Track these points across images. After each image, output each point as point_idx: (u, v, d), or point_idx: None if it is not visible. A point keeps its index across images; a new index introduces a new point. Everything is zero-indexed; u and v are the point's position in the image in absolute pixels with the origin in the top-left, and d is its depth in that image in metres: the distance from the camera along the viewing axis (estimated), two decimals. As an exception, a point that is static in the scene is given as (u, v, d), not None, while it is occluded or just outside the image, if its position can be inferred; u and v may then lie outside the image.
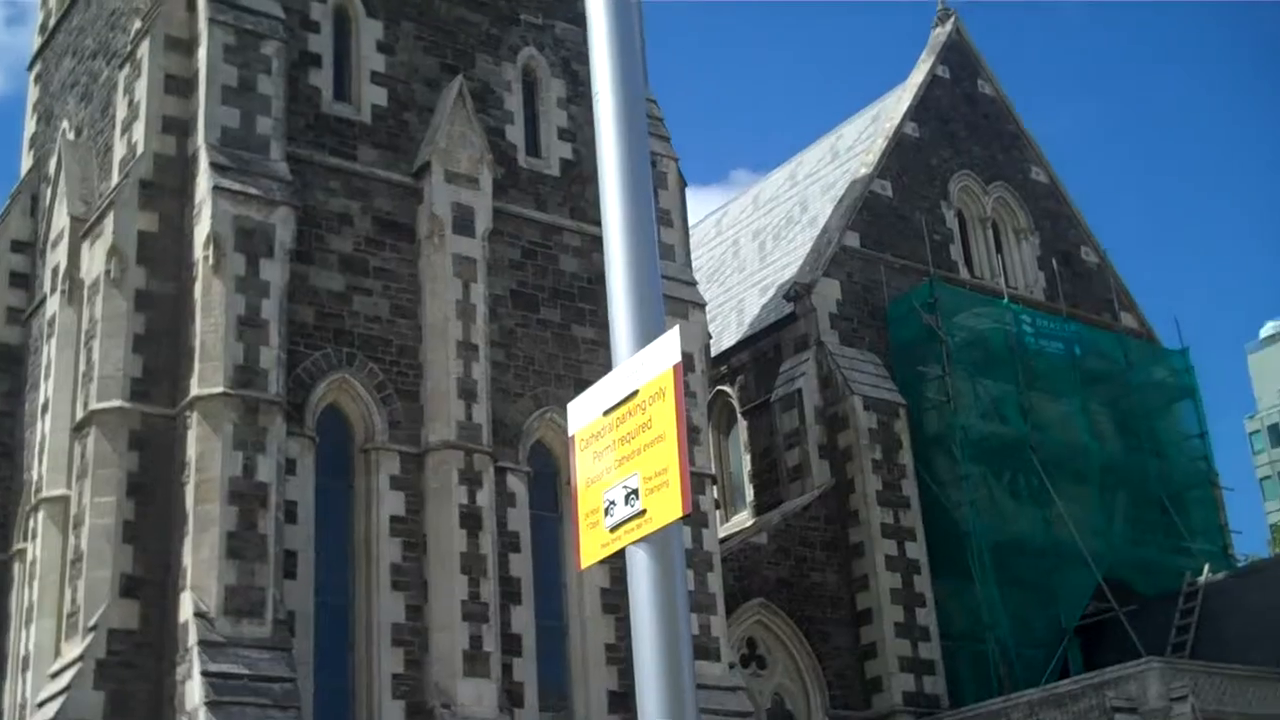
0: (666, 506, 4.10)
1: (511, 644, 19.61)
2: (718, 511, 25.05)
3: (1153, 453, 28.56)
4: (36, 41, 26.62)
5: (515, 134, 22.86)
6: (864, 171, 29.14)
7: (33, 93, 26.42)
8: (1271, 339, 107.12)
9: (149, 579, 17.77)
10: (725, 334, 28.52)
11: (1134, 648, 23.94)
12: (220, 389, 17.81)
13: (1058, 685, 22.75)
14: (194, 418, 17.85)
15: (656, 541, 4.16)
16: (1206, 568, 26.55)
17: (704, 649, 20.63)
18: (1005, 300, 28.23)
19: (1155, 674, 21.21)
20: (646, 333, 4.42)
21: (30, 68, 26.73)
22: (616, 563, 4.71)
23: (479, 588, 19.15)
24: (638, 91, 4.92)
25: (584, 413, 4.57)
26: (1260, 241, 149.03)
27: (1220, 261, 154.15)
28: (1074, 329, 28.92)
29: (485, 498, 19.67)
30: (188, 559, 17.32)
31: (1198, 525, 28.57)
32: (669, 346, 4.21)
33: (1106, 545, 26.63)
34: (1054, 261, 30.68)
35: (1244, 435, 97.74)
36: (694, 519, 21.03)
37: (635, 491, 4.23)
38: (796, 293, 27.02)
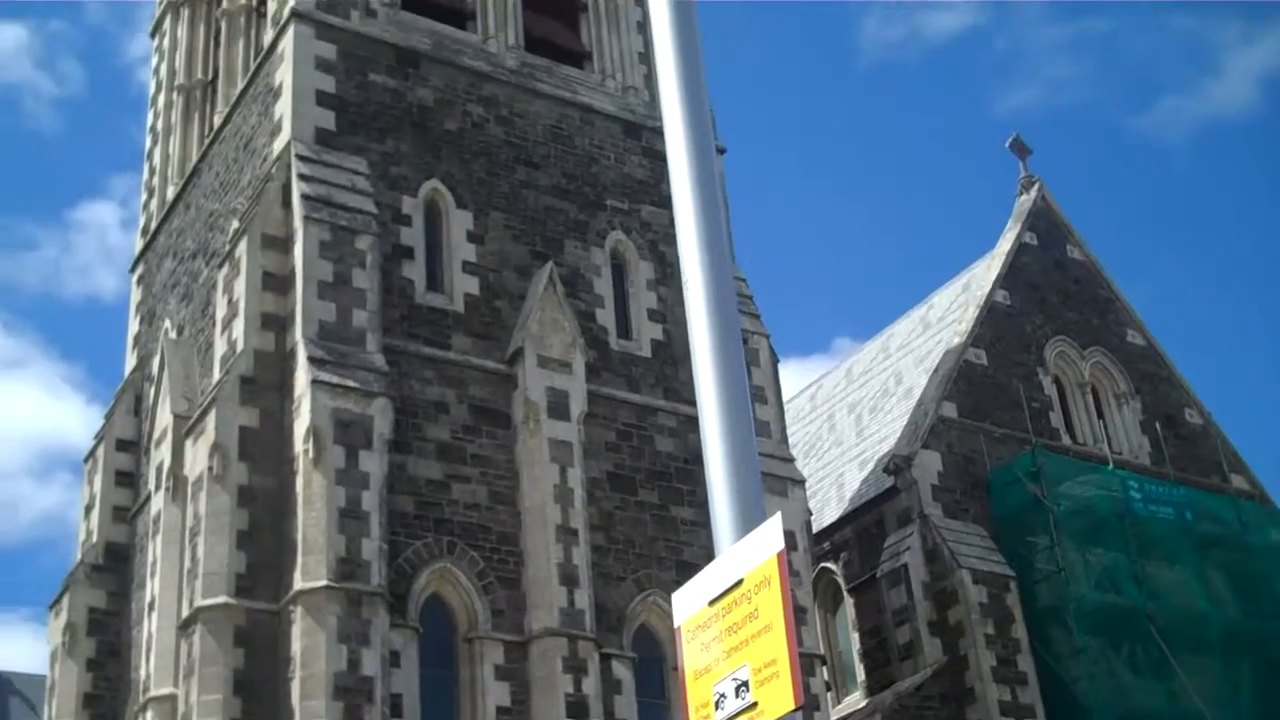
0: (778, 699, 4.05)
1: (622, 838, 18.99)
2: (829, 693, 24.34)
3: (1275, 617, 27.47)
4: (138, 244, 27.37)
5: (606, 317, 22.98)
6: (957, 341, 28.89)
7: (135, 294, 27.08)
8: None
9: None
10: (826, 510, 28.09)
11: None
12: (323, 582, 17.71)
13: None
14: (298, 612, 17.72)
15: None
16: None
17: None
18: (1110, 466, 27.58)
19: None
20: (747, 517, 4.35)
21: (132, 270, 27.44)
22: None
23: (586, 781, 18.63)
24: (726, 273, 4.95)
25: (689, 603, 4.52)
26: None
27: None
28: (1183, 493, 28.13)
29: (591, 686, 19.25)
30: (293, 757, 17.02)
31: (1333, 691, 27.29)
32: (772, 533, 4.15)
33: (1234, 717, 25.48)
34: (1157, 425, 30.05)
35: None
36: (805, 702, 20.42)
37: (745, 684, 4.15)
38: (896, 466, 26.61)
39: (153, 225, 26.80)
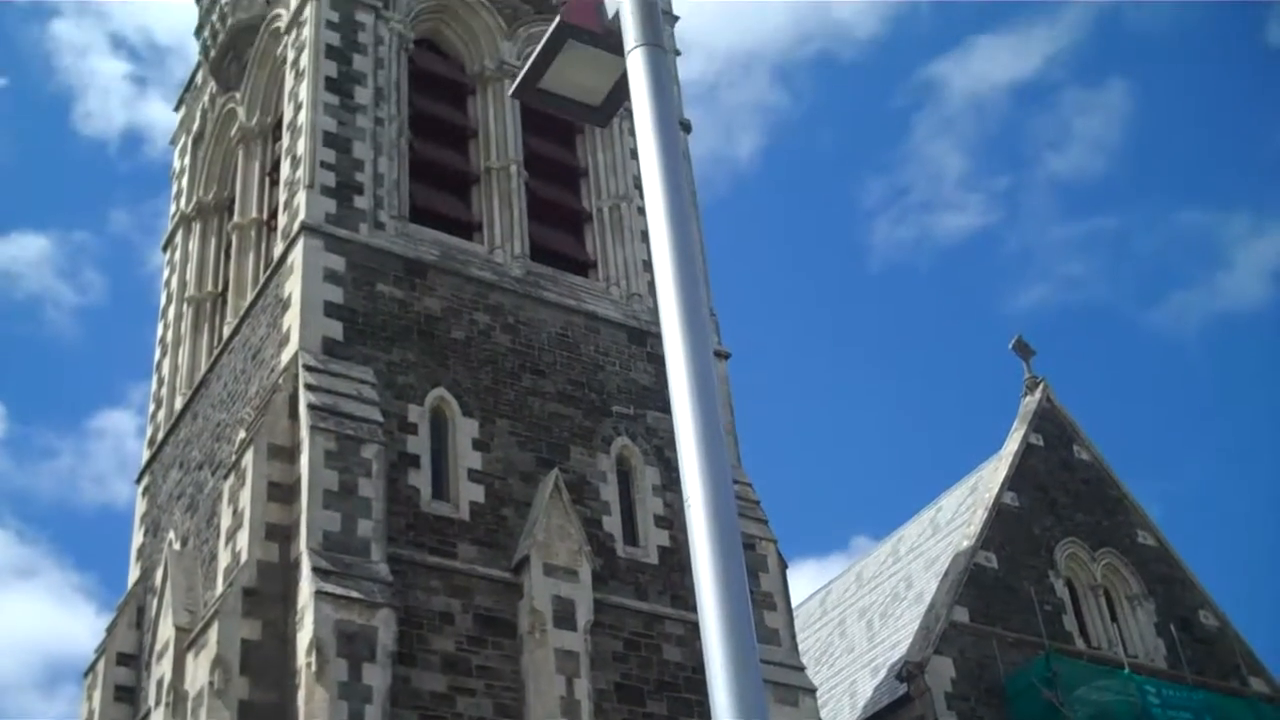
0: None
1: None
2: None
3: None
4: (145, 455, 27.46)
5: (612, 524, 22.87)
6: (966, 544, 28.67)
7: (140, 505, 27.06)
8: None
9: None
10: (839, 718, 27.51)
11: None
12: (321, 800, 17.28)
13: None
14: (295, 833, 17.25)
15: None
16: None
17: None
18: (1127, 671, 27.08)
19: None
20: None
21: (138, 481, 27.47)
22: None
23: None
24: (725, 480, 4.98)
25: None
26: None
27: None
28: (1202, 697, 27.54)
29: None
30: None
31: None
32: None
33: None
34: (1172, 627, 29.58)
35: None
36: None
37: None
38: (909, 673, 26.14)
39: (159, 436, 26.93)
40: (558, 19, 6.55)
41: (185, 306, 27.67)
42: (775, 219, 71.89)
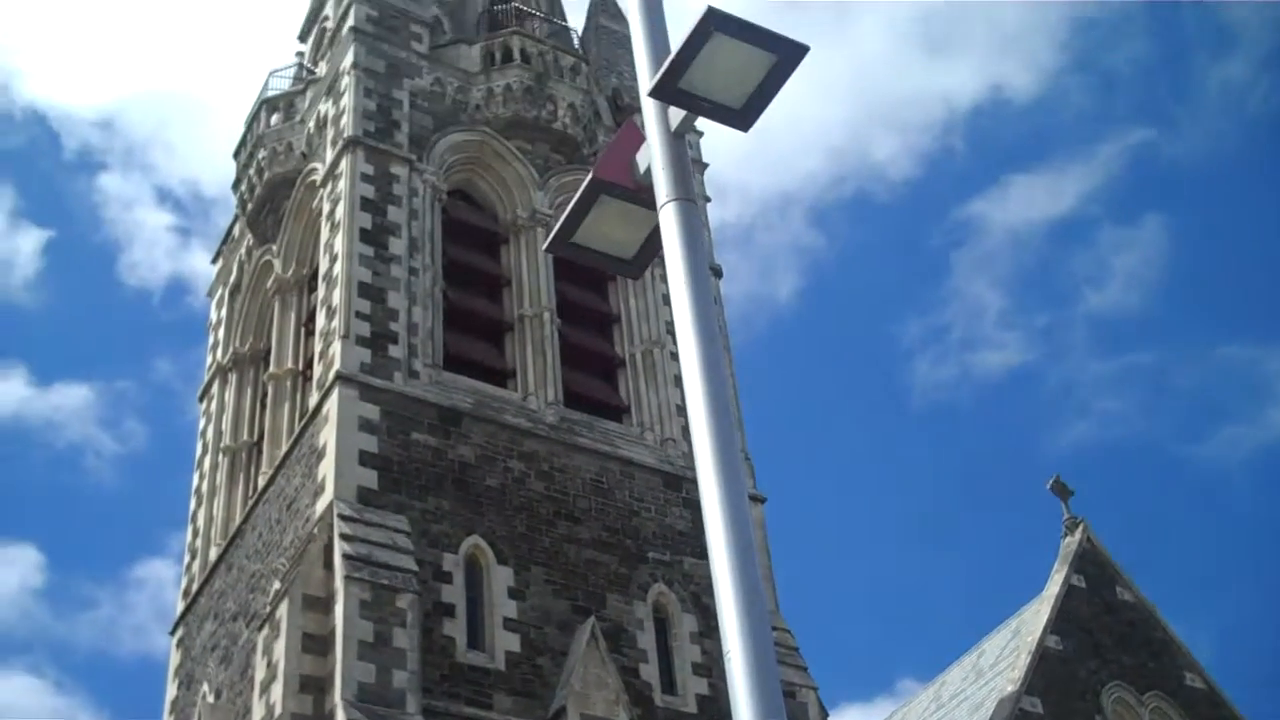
0: None
1: None
2: None
3: None
4: (179, 607, 27.37)
5: (649, 672, 22.60)
6: (1010, 689, 28.11)
7: (174, 657, 26.90)
8: None
9: None
10: None
11: None
12: None
13: None
14: None
15: None
16: None
17: None
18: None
19: None
20: None
21: (172, 633, 27.34)
22: None
23: None
24: (766, 634, 4.98)
25: None
26: None
27: None
28: None
29: None
30: None
31: None
32: None
33: None
34: (1225, 774, 28.84)
35: None
36: None
37: None
38: (954, 822, 25.50)
39: (194, 587, 26.88)
40: (591, 175, 6.66)
41: (221, 456, 27.82)
42: (814, 359, 72.10)
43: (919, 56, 73.80)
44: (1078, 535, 31.78)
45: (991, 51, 73.31)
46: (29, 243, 77.91)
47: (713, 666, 23.05)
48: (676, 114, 6.36)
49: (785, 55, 6.23)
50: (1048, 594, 30.62)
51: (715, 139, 30.82)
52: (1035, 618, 30.19)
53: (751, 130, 6.41)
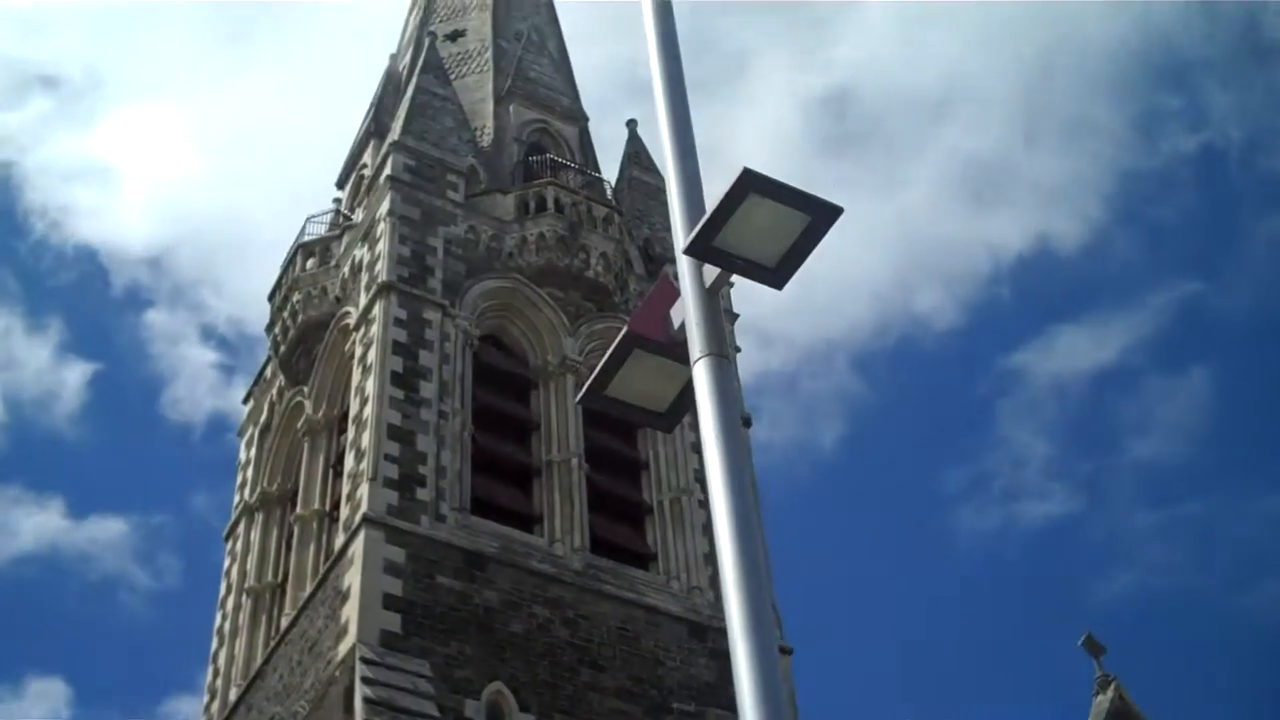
0: None
1: None
2: None
3: None
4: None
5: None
6: None
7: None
8: None
9: None
10: None
11: None
12: None
13: None
14: None
15: None
16: None
17: None
18: None
19: None
20: None
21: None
22: None
23: None
24: None
25: None
26: None
27: None
28: None
29: None
30: None
31: None
32: None
33: None
34: None
35: None
36: None
37: None
38: None
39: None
40: (625, 329, 6.78)
41: (244, 597, 27.75)
42: (856, 507, 71.68)
43: (965, 206, 74.67)
44: (1109, 693, 31.28)
45: (1038, 202, 74.13)
46: (75, 376, 79.01)
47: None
48: (710, 271, 6.49)
49: (820, 216, 6.37)
50: (1078, 749, 30.05)
51: (758, 287, 31.11)
52: (1066, 775, 29.61)
53: (795, 279, 6.54)
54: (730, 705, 24.54)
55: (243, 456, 31.32)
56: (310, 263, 29.97)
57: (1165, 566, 69.52)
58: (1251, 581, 71.16)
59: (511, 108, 33.56)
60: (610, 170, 34.47)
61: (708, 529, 26.05)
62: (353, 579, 22.46)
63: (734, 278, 6.67)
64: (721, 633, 24.79)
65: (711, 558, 25.69)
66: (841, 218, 6.44)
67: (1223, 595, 68.41)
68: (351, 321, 27.42)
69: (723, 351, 6.16)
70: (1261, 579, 70.45)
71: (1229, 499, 69.63)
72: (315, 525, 26.50)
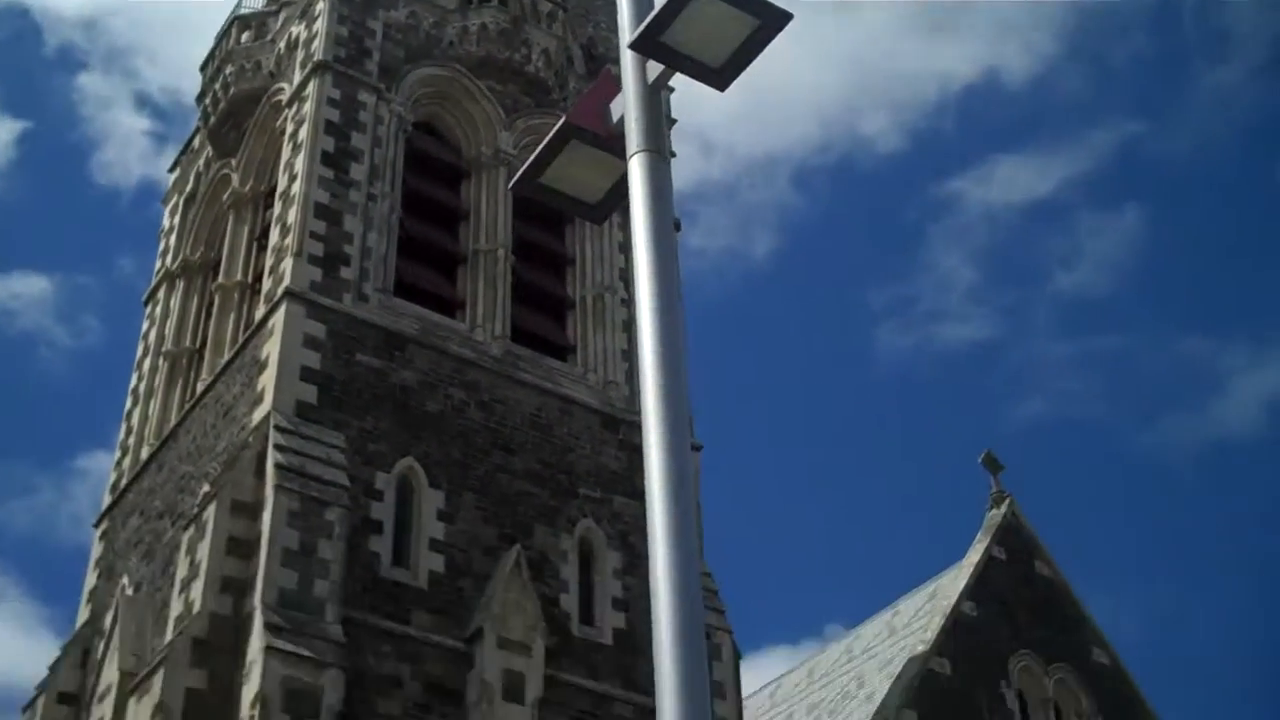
0: None
1: None
2: None
3: None
4: (106, 499, 27.46)
5: (570, 602, 23.01)
6: (921, 649, 28.81)
7: (96, 549, 27.04)
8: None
9: None
10: (778, 815, 27.51)
11: None
12: None
13: None
14: None
15: None
16: None
17: None
18: (1068, 790, 27.20)
19: None
20: None
21: (97, 525, 27.45)
22: None
23: None
24: (694, 570, 5.12)
25: None
26: None
27: None
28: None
29: None
30: None
31: None
32: None
33: None
34: (1119, 748, 29.72)
35: None
36: None
37: None
38: (853, 774, 26.19)
39: (123, 483, 26.98)
40: (564, 118, 6.85)
41: (161, 360, 27.85)
42: (781, 316, 72.53)
43: (920, 34, 73.96)
44: (1003, 509, 32.45)
45: (992, 36, 73.63)
46: (3, 133, 76.96)
47: (631, 603, 23.49)
48: (655, 68, 6.52)
49: (768, 20, 6.40)
50: (967, 562, 31.30)
51: (706, 97, 31.00)
52: (953, 583, 30.89)
53: (744, 91, 6.58)
54: (636, 494, 25.46)
55: (166, 224, 31.10)
56: (245, 36, 29.34)
57: (1075, 397, 71.35)
58: (1156, 419, 73.28)
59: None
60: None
61: (628, 326, 26.46)
62: (271, 349, 22.62)
63: (676, 82, 6.71)
64: (633, 425, 25.52)
65: (630, 354, 26.12)
66: (796, 35, 6.48)
67: (1127, 430, 70.50)
68: (284, 98, 27.02)
69: (660, 149, 6.25)
70: (1166, 417, 72.58)
71: (1146, 337, 71.24)
72: (236, 296, 26.52)
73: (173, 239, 30.17)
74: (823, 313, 73.58)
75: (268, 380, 22.32)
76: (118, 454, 27.94)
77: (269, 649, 18.79)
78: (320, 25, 26.74)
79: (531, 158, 6.81)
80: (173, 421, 26.25)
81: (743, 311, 72.07)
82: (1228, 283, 67.98)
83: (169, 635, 20.31)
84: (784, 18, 6.43)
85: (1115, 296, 71.96)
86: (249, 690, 18.72)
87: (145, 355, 28.72)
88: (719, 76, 6.52)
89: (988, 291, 74.15)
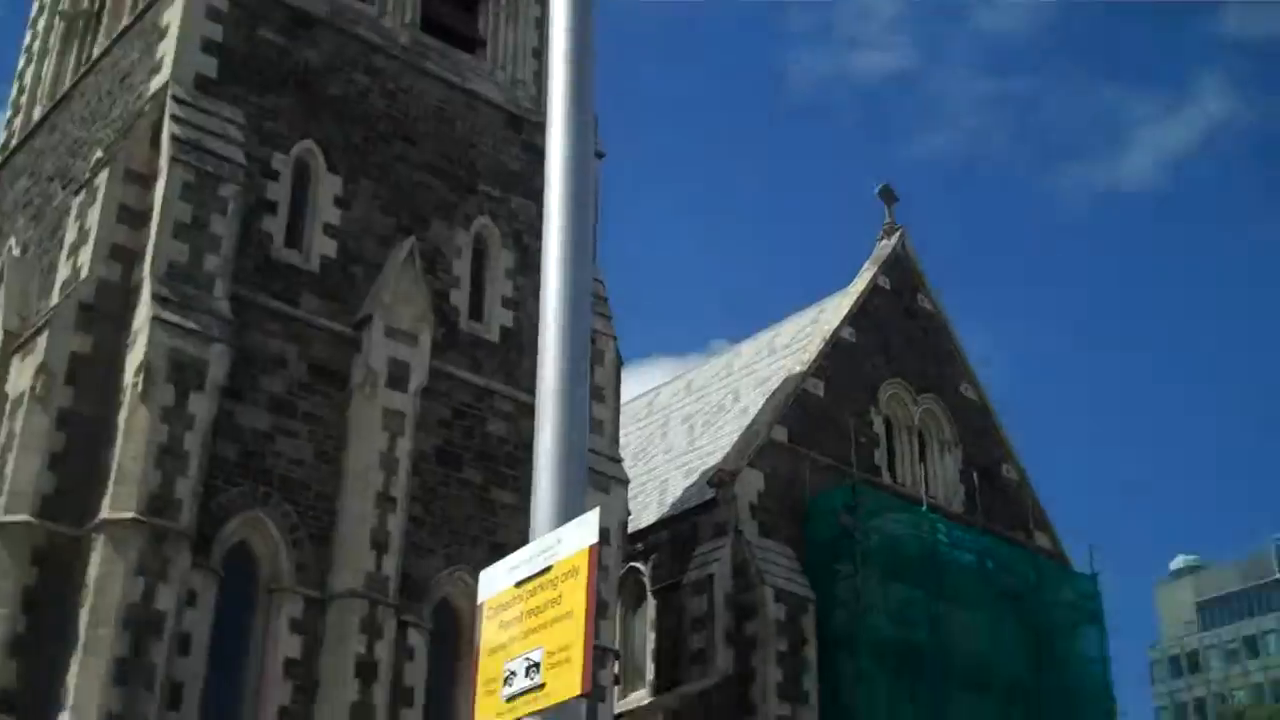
0: (565, 683, 4.15)
1: (391, 795, 19.41)
2: (616, 687, 25.08)
3: (1053, 672, 28.85)
4: (-6, 158, 27.09)
5: (460, 298, 23.48)
6: (798, 369, 29.88)
7: (-16, 208, 26.87)
8: (1179, 573, 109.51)
9: (28, 697, 17.53)
10: (645, 512, 28.85)
11: None
12: (130, 514, 17.90)
13: None
14: (100, 540, 17.88)
15: (551, 716, 4.20)
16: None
17: (585, 824, 20.54)
18: (924, 508, 28.77)
19: None
20: (568, 508, 4.49)
21: (-17, 182, 27.18)
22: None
23: (365, 740, 19.13)
24: (586, 273, 5.20)
25: (496, 581, 4.62)
26: (1174, 479, 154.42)
27: (1137, 493, 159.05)
28: (987, 542, 29.42)
29: (384, 650, 19.72)
30: (73, 680, 17.24)
31: (1094, 748, 28.77)
32: (588, 527, 4.27)
33: (999, 761, 26.76)
34: (974, 476, 31.32)
35: (1146, 665, 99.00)
36: (591, 692, 21.10)
37: (537, 665, 4.26)
38: (720, 480, 27.48)
39: (13, 143, 26.62)
40: None
41: (57, 20, 27.16)
42: (697, 33, 71.63)
43: None
44: (893, 240, 33.20)
45: None
46: None
47: (521, 302, 24.01)
48: None
49: None
50: (853, 289, 32.20)
51: None
52: (836, 309, 31.84)
53: None
54: (534, 196, 25.53)
55: None
56: None
57: (981, 135, 71.80)
58: (1059, 165, 74.08)
59: None
60: None
61: (541, 22, 26.18)
62: (172, 18, 22.19)
63: None
64: (537, 127, 25.49)
65: (540, 52, 25.94)
66: None
67: (1028, 173, 71.24)
68: None
69: None
70: (1068, 164, 73.37)
71: (1059, 82, 71.28)
72: (139, -44, 25.77)
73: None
74: (740, 34, 72.79)
75: (167, 49, 21.98)
76: (9, 113, 27.49)
77: (156, 320, 19.08)
78: None
79: None
80: (67, 84, 25.80)
81: (659, 25, 71.12)
82: (1146, 33, 67.94)
83: (55, 299, 20.50)
84: None
85: (1035, 41, 71.71)
86: (133, 358, 19.07)
87: (41, 13, 27.95)
88: None
89: (908, 23, 73.57)
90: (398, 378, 21.47)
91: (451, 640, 21.21)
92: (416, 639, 20.60)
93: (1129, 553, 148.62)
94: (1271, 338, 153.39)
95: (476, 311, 23.69)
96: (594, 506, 4.37)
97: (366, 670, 19.49)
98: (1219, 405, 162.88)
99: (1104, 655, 30.17)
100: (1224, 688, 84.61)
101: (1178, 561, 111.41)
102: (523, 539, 4.58)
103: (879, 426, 30.50)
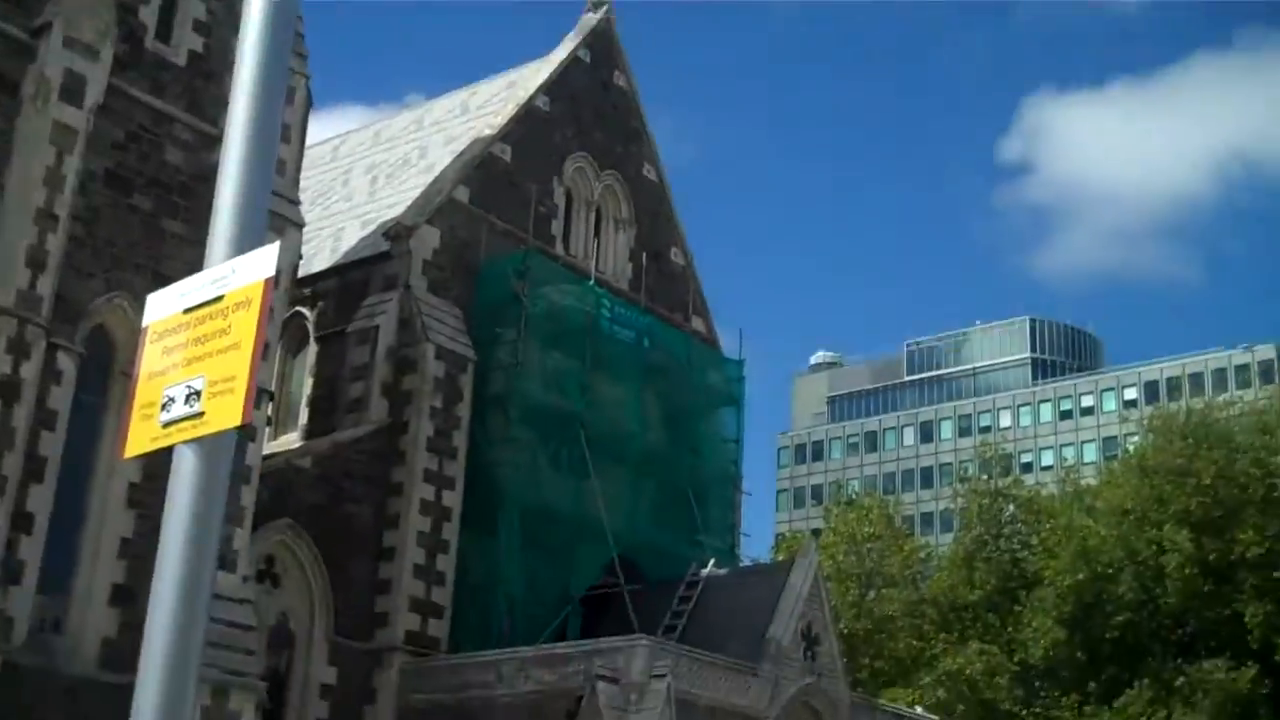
0: (225, 413, 4.09)
1: (23, 521, 19.47)
2: (268, 428, 25.53)
3: (689, 449, 30.81)
4: None
5: (148, 15, 22.62)
6: (488, 132, 30.12)
7: None
8: (817, 368, 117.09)
9: None
10: (317, 258, 28.88)
11: (630, 624, 25.84)
12: None
13: (554, 647, 24.49)
14: None
15: (207, 445, 4.16)
16: (711, 561, 28.89)
17: (222, 559, 21.09)
18: (591, 282, 29.82)
19: (642, 651, 23.05)
20: (246, 241, 4.38)
21: None
22: (152, 461, 4.92)
23: (1, 460, 19.06)
24: (292, 4, 5.00)
25: (163, 306, 4.51)
26: (825, 279, 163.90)
27: (790, 289, 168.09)
28: (647, 321, 30.83)
29: (30, 371, 19.51)
30: None
31: (714, 522, 31.02)
32: (266, 260, 4.20)
33: (628, 525, 28.55)
34: (644, 256, 32.56)
35: (774, 450, 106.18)
36: (243, 431, 21.42)
37: (198, 393, 4.19)
38: (396, 233, 27.74)
39: None
40: None
41: None
42: None
43: None
44: (599, 13, 33.40)
45: None
46: None
47: (214, 28, 23.32)
48: None
49: None
50: (553, 58, 32.41)
51: None
52: (533, 76, 32.04)
53: None
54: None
55: None
56: None
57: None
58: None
59: None
60: None
61: None
62: None
63: None
64: None
65: None
66: None
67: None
68: None
69: None
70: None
71: None
72: None
73: None
74: None
75: None
76: None
77: None
78: None
79: None
80: None
81: None
82: None
83: None
84: None
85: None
86: None
87: None
88: None
89: None
90: (72, 91, 20.72)
91: (103, 367, 21.11)
92: (66, 362, 20.39)
93: (775, 344, 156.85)
94: (933, 156, 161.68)
95: (165, 33, 22.90)
96: (269, 243, 4.34)
97: (9, 390, 19.27)
98: (877, 216, 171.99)
99: (739, 438, 32.33)
100: (841, 476, 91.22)
101: (817, 356, 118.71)
102: (189, 271, 4.55)
103: (559, 198, 31.19)
